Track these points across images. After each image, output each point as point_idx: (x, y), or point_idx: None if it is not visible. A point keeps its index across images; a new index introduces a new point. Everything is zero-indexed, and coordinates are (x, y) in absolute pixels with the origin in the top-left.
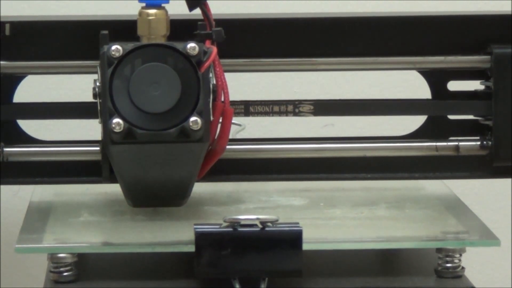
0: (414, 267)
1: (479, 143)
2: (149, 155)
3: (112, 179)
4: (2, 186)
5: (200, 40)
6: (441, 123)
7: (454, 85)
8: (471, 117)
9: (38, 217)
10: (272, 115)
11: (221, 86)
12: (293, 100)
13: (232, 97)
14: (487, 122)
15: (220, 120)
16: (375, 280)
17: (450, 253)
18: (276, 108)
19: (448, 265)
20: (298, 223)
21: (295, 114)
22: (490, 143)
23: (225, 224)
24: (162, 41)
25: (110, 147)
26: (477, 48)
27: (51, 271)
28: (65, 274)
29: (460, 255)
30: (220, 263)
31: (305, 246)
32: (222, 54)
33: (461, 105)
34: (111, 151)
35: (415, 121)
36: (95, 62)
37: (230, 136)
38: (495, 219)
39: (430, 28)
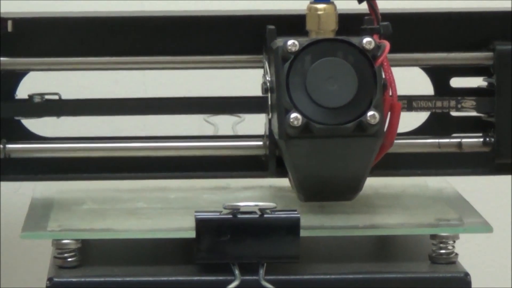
0: (409, 253)
1: (481, 139)
2: (325, 149)
3: (278, 174)
4: (3, 183)
5: (367, 34)
6: (443, 119)
7: (456, 82)
8: (473, 113)
9: (41, 209)
10: (435, 111)
11: (389, 81)
12: (455, 96)
13: None
14: (489, 119)
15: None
16: (370, 265)
17: (444, 240)
18: (439, 104)
19: (442, 251)
20: (295, 210)
21: (458, 109)
22: (492, 139)
23: (225, 211)
24: (331, 35)
25: (286, 142)
26: (480, 45)
27: (55, 257)
28: (69, 259)
29: (454, 241)
30: (220, 248)
31: (303, 233)
32: None
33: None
34: (287, 145)
35: (418, 118)
36: (97, 59)
37: (231, 129)
38: (497, 216)
39: (432, 25)
